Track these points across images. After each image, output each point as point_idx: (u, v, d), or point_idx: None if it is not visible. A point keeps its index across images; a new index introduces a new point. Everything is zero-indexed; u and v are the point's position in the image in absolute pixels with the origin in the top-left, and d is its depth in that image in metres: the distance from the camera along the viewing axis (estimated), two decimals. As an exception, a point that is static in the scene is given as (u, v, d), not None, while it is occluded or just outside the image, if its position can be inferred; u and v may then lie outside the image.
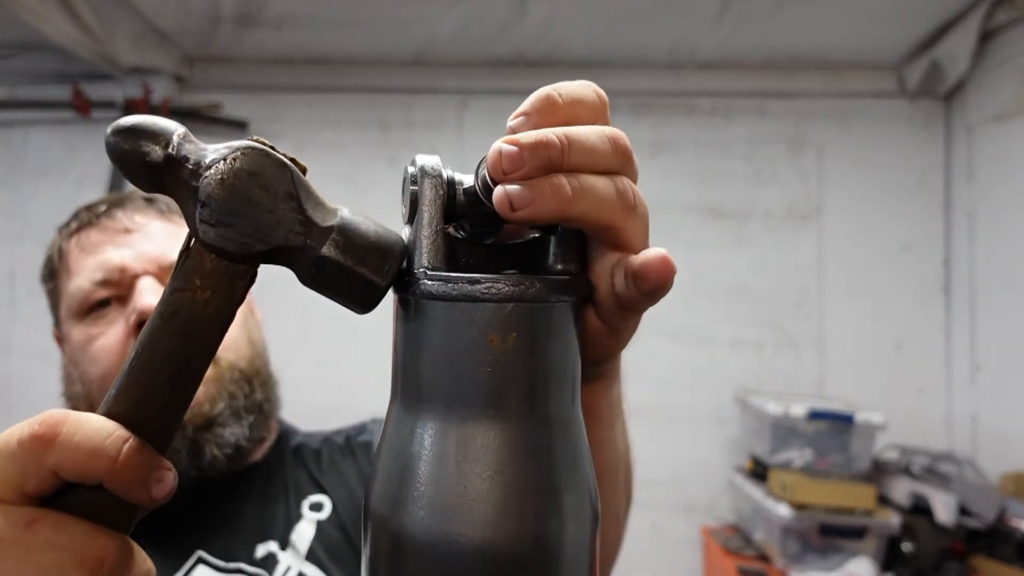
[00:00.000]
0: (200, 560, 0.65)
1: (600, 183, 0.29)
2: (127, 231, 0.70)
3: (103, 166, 2.18)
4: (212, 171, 0.30)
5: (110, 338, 0.66)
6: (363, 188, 2.26)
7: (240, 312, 0.73)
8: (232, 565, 0.65)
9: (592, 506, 0.30)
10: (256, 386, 0.72)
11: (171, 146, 0.31)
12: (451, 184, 0.32)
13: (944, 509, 1.63)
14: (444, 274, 0.29)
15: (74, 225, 0.72)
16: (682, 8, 1.85)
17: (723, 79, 2.21)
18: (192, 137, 0.32)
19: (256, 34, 2.05)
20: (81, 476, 0.29)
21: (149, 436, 0.31)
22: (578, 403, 0.31)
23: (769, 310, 2.19)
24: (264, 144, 0.31)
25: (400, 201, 0.33)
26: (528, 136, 0.28)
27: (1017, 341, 1.85)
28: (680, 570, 2.13)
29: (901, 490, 1.75)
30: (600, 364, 0.37)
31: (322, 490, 0.74)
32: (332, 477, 0.75)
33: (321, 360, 2.18)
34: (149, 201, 0.74)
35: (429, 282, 0.29)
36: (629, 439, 0.50)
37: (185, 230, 0.73)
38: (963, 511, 1.64)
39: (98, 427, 0.29)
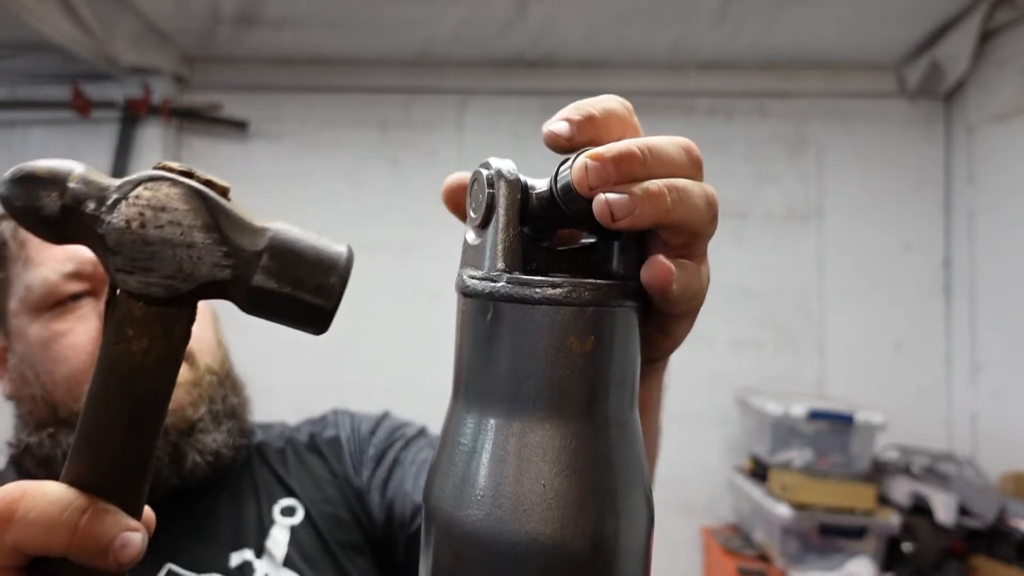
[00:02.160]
0: (170, 573, 0.62)
1: (696, 191, 0.30)
2: None
3: (103, 166, 2.17)
4: (116, 214, 0.27)
5: (80, 336, 0.61)
6: (363, 188, 2.26)
7: (206, 314, 0.70)
8: None
9: (648, 507, 0.31)
10: (228, 389, 0.70)
11: (66, 193, 0.27)
12: (525, 188, 0.32)
13: (944, 509, 1.63)
14: (526, 277, 0.29)
15: None
16: (682, 8, 1.85)
17: (723, 79, 2.21)
18: (93, 174, 0.29)
19: (256, 34, 2.05)
20: (43, 551, 0.28)
21: (113, 495, 0.30)
22: (636, 406, 0.32)
23: (769, 310, 2.19)
24: (172, 171, 0.28)
25: (467, 205, 0.33)
26: (611, 149, 0.29)
27: (1017, 341, 1.85)
28: (680, 570, 2.13)
29: (901, 490, 1.75)
30: (653, 363, 0.39)
31: (291, 493, 0.72)
32: (301, 479, 0.73)
33: (322, 361, 2.17)
34: None
35: (509, 285, 0.29)
36: (661, 425, 0.52)
37: None
38: (963, 511, 1.64)
39: (55, 499, 0.28)
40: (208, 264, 0.28)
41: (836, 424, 1.75)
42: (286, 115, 2.28)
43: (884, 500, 1.76)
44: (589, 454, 0.29)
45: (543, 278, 0.29)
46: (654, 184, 0.28)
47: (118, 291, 0.28)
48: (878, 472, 1.81)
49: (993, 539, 1.61)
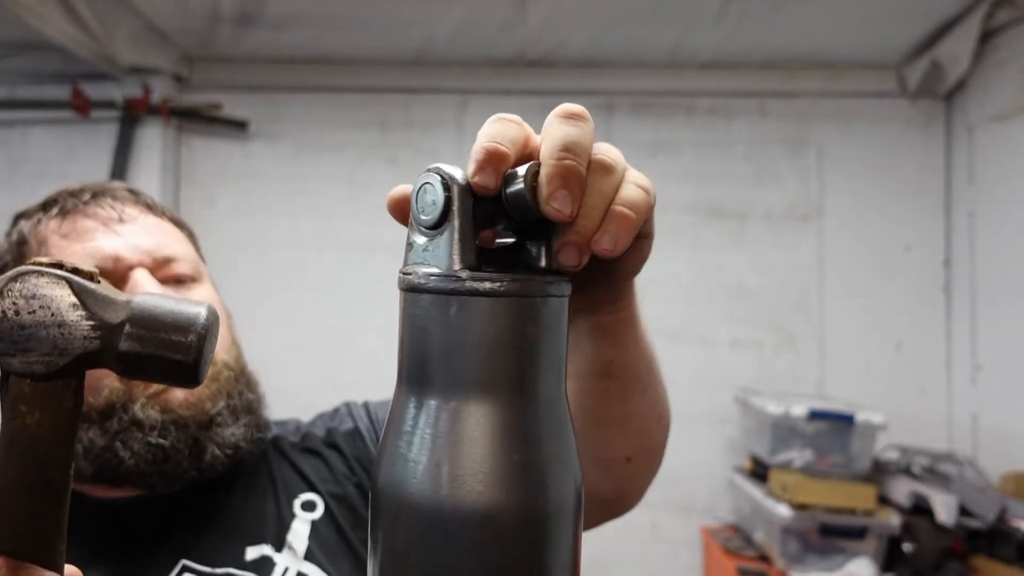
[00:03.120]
0: (185, 569, 0.62)
1: (593, 189, 0.35)
2: (120, 220, 0.67)
3: (102, 166, 2.17)
4: None
5: None
6: (363, 188, 2.26)
7: (222, 313, 0.71)
8: (220, 571, 0.63)
9: (576, 482, 0.34)
10: (244, 384, 0.71)
11: None
12: (472, 193, 0.35)
13: (944, 509, 1.63)
14: (482, 273, 0.32)
15: (55, 210, 0.68)
16: (682, 8, 1.84)
17: (723, 79, 2.21)
18: None
19: (256, 34, 2.05)
20: None
21: (30, 555, 0.32)
22: (564, 386, 0.35)
23: (769, 310, 2.19)
24: (41, 264, 0.32)
25: (414, 209, 0.35)
26: (555, 173, 0.33)
27: (1017, 341, 1.85)
28: (680, 570, 2.13)
29: (901, 490, 1.75)
30: (633, 274, 0.45)
31: (311, 488, 0.72)
32: (321, 473, 0.73)
33: (323, 361, 2.17)
34: (134, 193, 0.72)
35: (468, 281, 0.32)
36: (653, 349, 0.57)
37: (170, 226, 0.71)
38: (963, 511, 1.64)
39: None
40: (79, 339, 0.31)
41: (836, 424, 1.75)
42: (286, 115, 2.27)
43: (884, 500, 1.76)
44: (519, 430, 0.31)
45: (492, 274, 0.32)
46: (578, 221, 0.34)
47: (5, 375, 0.32)
48: (878, 472, 1.81)
49: (993, 539, 1.61)
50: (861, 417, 1.73)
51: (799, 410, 1.75)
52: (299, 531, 0.68)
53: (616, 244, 0.34)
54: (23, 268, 0.32)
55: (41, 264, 0.32)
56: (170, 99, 2.17)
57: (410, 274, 0.34)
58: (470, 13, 1.89)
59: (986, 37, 1.88)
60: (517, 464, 0.31)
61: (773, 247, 2.20)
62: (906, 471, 1.81)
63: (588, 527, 0.63)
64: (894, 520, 1.66)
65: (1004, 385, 1.91)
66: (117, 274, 0.64)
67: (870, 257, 2.18)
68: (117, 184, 0.72)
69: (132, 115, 2.15)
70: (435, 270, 0.33)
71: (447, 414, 0.31)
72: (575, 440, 0.35)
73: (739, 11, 1.85)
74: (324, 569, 0.65)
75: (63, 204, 0.68)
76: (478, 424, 0.31)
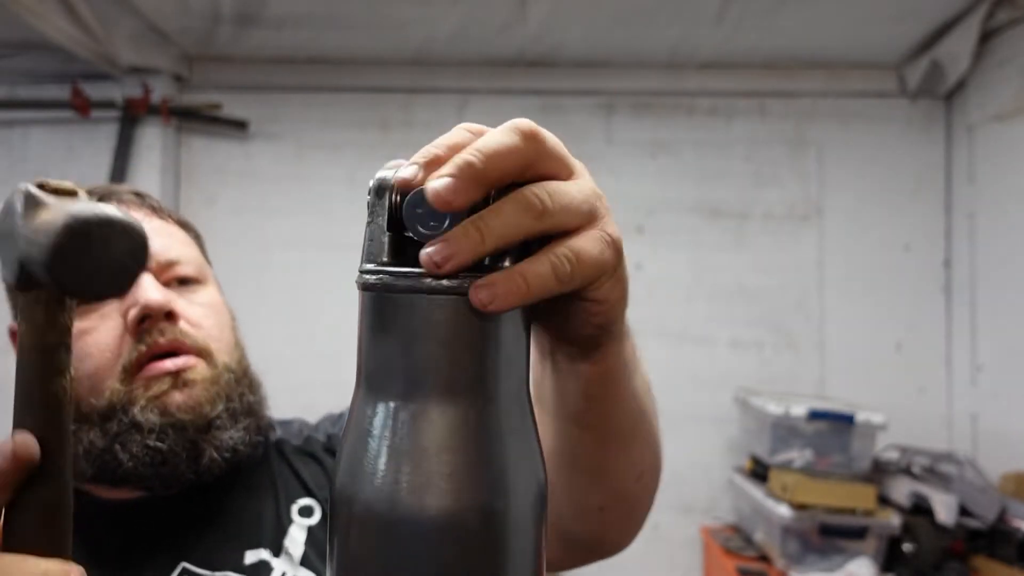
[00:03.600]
0: (185, 572, 0.63)
1: (505, 207, 0.32)
2: None
3: (102, 166, 2.17)
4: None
5: (104, 334, 0.63)
6: (363, 188, 2.23)
7: (224, 315, 0.72)
8: (219, 574, 0.63)
9: (538, 484, 0.33)
10: (245, 387, 0.70)
11: None
12: (401, 195, 0.34)
13: (944, 509, 1.63)
14: (386, 268, 0.32)
15: None
16: (682, 8, 1.84)
17: (723, 79, 2.21)
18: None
19: (256, 34, 2.05)
20: None
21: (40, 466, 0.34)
22: (527, 387, 0.34)
23: (769, 310, 2.19)
24: (27, 184, 0.33)
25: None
26: (449, 165, 0.31)
27: (1017, 341, 1.85)
28: (680, 570, 2.13)
29: (901, 490, 1.75)
30: (604, 330, 0.40)
31: (310, 493, 0.72)
32: (319, 479, 0.74)
33: (323, 361, 2.17)
34: (139, 196, 0.72)
35: (372, 276, 0.32)
36: (647, 380, 0.54)
37: (174, 228, 0.71)
38: (963, 511, 1.64)
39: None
40: (19, 248, 0.32)
41: (836, 424, 1.75)
42: (286, 115, 2.27)
43: (884, 500, 1.76)
44: (478, 432, 0.31)
45: (415, 269, 0.31)
46: (460, 227, 0.31)
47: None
48: (878, 472, 1.81)
49: (993, 539, 1.61)
50: (861, 417, 1.73)
51: (799, 410, 1.75)
52: (296, 537, 0.68)
53: (489, 300, 0.30)
54: (20, 185, 0.34)
55: (28, 183, 0.34)
56: (170, 99, 2.17)
57: (362, 272, 0.34)
58: (470, 13, 1.89)
59: (986, 37, 1.88)
60: (476, 465, 0.30)
61: (773, 247, 2.20)
62: (906, 471, 1.81)
63: (574, 565, 0.63)
64: (894, 520, 1.66)
65: (1004, 385, 1.91)
66: None
67: (870, 257, 2.18)
68: (123, 187, 0.72)
69: (132, 115, 2.15)
70: (366, 266, 0.33)
71: (404, 416, 0.31)
72: (538, 441, 0.34)
73: (739, 11, 1.85)
74: (319, 574, 0.65)
75: None
76: (434, 425, 0.30)
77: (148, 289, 0.63)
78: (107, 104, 2.14)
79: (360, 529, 0.31)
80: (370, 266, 0.33)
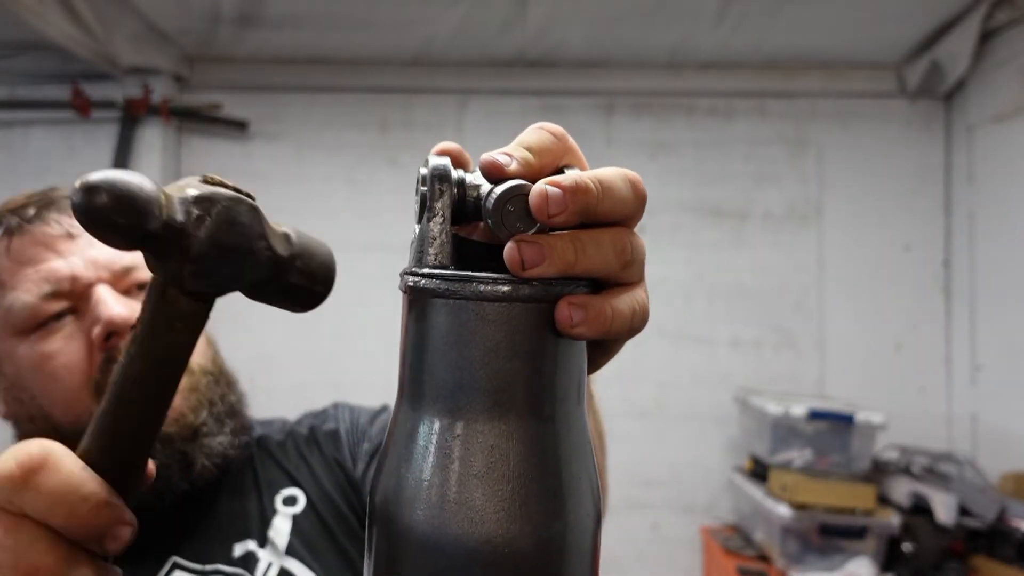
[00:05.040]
0: (176, 566, 0.63)
1: (604, 241, 0.31)
2: (70, 236, 0.64)
3: (103, 166, 2.17)
4: (201, 230, 0.31)
5: (71, 355, 0.61)
6: (363, 188, 2.26)
7: None
8: (209, 567, 0.64)
9: (595, 505, 0.31)
10: (225, 386, 0.70)
11: (162, 212, 0.31)
12: (461, 185, 0.32)
13: (944, 509, 1.63)
14: (457, 273, 0.29)
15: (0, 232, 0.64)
16: (682, 8, 1.85)
17: (723, 79, 2.21)
18: (162, 189, 0.32)
19: (256, 34, 2.05)
20: (44, 520, 0.32)
21: (121, 472, 0.33)
22: (584, 403, 0.32)
23: (769, 310, 2.19)
24: (227, 186, 0.32)
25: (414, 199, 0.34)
26: (568, 179, 0.30)
27: (1017, 341, 1.85)
28: (680, 570, 2.13)
29: (901, 490, 1.75)
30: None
31: (293, 483, 0.72)
32: (302, 469, 0.74)
33: (323, 361, 2.17)
34: None
35: (439, 281, 0.29)
36: (602, 428, 0.55)
37: None
38: (963, 511, 1.64)
39: (67, 480, 0.32)
40: (258, 267, 0.33)
41: (836, 424, 1.75)
42: (286, 115, 2.27)
43: (884, 500, 1.76)
44: (534, 453, 0.29)
45: (488, 275, 0.29)
46: (561, 238, 0.30)
47: (164, 288, 0.32)
48: (878, 472, 1.81)
49: (993, 539, 1.61)
50: (861, 417, 1.73)
51: (799, 410, 1.75)
52: (280, 527, 0.68)
53: (579, 321, 0.29)
54: (225, 193, 0.32)
55: (227, 186, 0.33)
56: (170, 99, 2.17)
57: (408, 273, 0.31)
58: (470, 13, 1.89)
59: (986, 37, 1.88)
60: (538, 493, 0.28)
61: (773, 247, 2.20)
62: (906, 471, 1.81)
63: None
64: (894, 520, 1.66)
65: (1004, 385, 1.91)
66: (76, 293, 0.62)
67: (870, 257, 2.18)
68: (60, 192, 0.69)
69: (132, 115, 2.15)
70: (417, 268, 0.31)
71: (455, 436, 0.29)
72: (595, 461, 0.32)
73: (739, 11, 1.85)
74: (306, 563, 0.66)
75: (7, 224, 0.64)
76: (495, 449, 0.28)
77: (109, 304, 0.61)
78: (107, 104, 2.14)
79: (403, 554, 0.29)
80: (416, 267, 0.31)
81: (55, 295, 0.61)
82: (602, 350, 0.37)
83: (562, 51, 2.13)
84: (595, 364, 0.37)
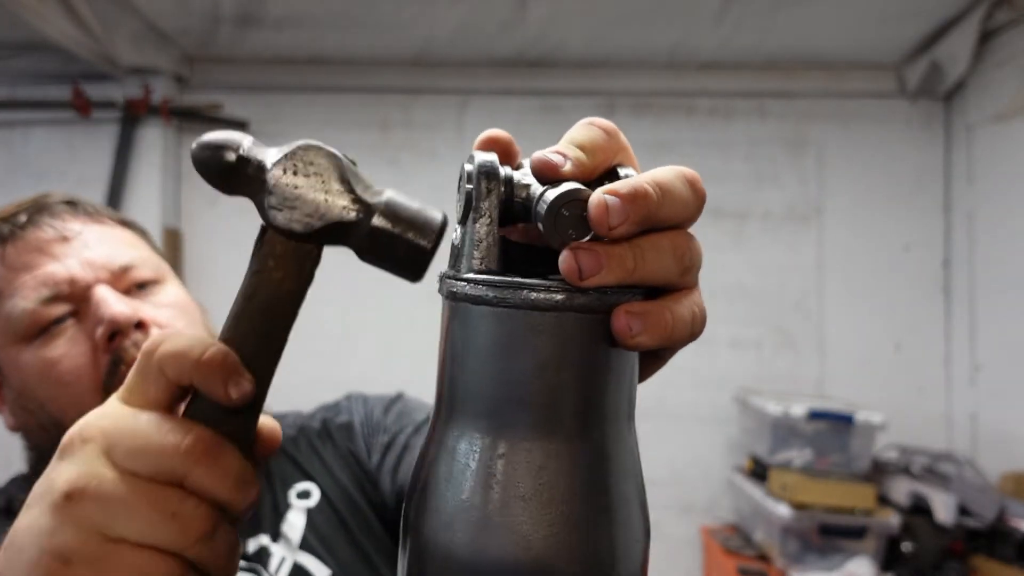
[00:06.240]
0: None
1: (665, 247, 0.30)
2: (64, 240, 0.63)
3: (103, 166, 2.18)
4: (277, 166, 0.35)
5: (76, 358, 0.60)
6: (363, 188, 2.26)
7: (195, 312, 0.70)
8: None
9: (645, 530, 0.30)
10: None
11: (241, 149, 0.35)
12: (509, 184, 0.31)
13: (944, 509, 1.63)
14: (506, 279, 0.27)
15: None
16: (682, 8, 1.85)
17: (723, 79, 2.21)
18: (259, 143, 0.37)
19: (256, 34, 2.05)
20: (176, 374, 0.34)
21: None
22: (633, 419, 0.31)
23: (769, 310, 2.19)
24: (315, 144, 0.36)
25: (456, 198, 0.33)
26: (627, 187, 0.28)
27: (1017, 341, 1.85)
28: (680, 570, 2.13)
29: (901, 490, 1.75)
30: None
31: (308, 477, 0.72)
32: (315, 463, 0.74)
33: (323, 360, 2.18)
34: (72, 204, 0.68)
35: (485, 287, 0.27)
36: None
37: (118, 230, 0.69)
38: (963, 511, 1.65)
39: (189, 336, 0.35)
40: (339, 207, 0.35)
41: (836, 424, 1.75)
42: (286, 115, 2.28)
43: (884, 500, 1.76)
44: (585, 475, 0.27)
45: (540, 281, 0.27)
46: (620, 247, 0.29)
47: (266, 232, 0.35)
48: (878, 472, 1.81)
49: (993, 539, 1.61)
50: (860, 417, 1.73)
51: (798, 410, 1.75)
52: (294, 521, 0.68)
53: (639, 331, 0.28)
54: (306, 142, 0.36)
55: (318, 144, 0.36)
56: (170, 99, 2.17)
57: (449, 278, 0.29)
58: (470, 13, 1.89)
59: (985, 37, 1.88)
60: (588, 516, 0.27)
61: (773, 247, 2.21)
62: (905, 471, 1.81)
63: None
64: (893, 520, 1.66)
65: (1003, 385, 1.91)
66: (76, 296, 0.61)
67: (869, 257, 2.18)
68: (52, 197, 0.68)
69: (132, 115, 2.15)
70: (463, 274, 0.29)
71: (499, 454, 0.27)
72: (643, 481, 0.31)
73: (739, 11, 1.85)
74: (320, 558, 0.65)
75: None
76: (544, 469, 0.27)
77: (111, 303, 0.60)
78: (108, 104, 2.14)
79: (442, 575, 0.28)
80: (461, 272, 0.29)
81: (54, 299, 0.61)
82: (656, 357, 0.35)
83: (562, 51, 2.13)
84: (646, 372, 0.36)
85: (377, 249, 0.35)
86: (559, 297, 0.27)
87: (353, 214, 0.35)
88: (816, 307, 2.19)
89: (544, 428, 0.27)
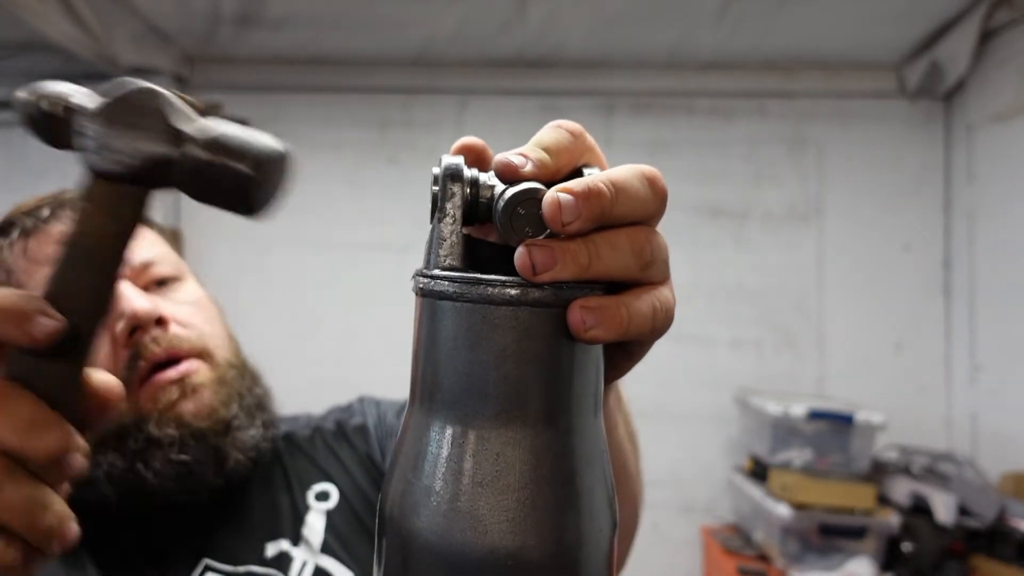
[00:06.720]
0: (208, 568, 0.62)
1: (621, 242, 0.30)
2: None
3: (103, 166, 2.17)
4: (96, 110, 0.34)
5: (96, 352, 0.61)
6: (363, 188, 2.26)
7: (212, 309, 0.70)
8: (242, 569, 0.63)
9: (612, 514, 0.30)
10: (250, 380, 0.69)
11: (59, 102, 0.35)
12: (474, 185, 0.32)
13: (944, 509, 1.63)
14: (465, 275, 0.29)
15: (15, 234, 0.63)
16: (682, 8, 1.85)
17: (723, 79, 2.21)
18: (94, 95, 0.35)
19: (256, 34, 2.05)
20: None
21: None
22: (600, 414, 0.31)
23: (769, 310, 2.19)
24: (136, 83, 0.34)
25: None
26: (580, 185, 0.29)
27: (1017, 341, 1.85)
28: (680, 570, 2.13)
29: (901, 490, 1.75)
30: (610, 382, 0.39)
31: (326, 478, 0.71)
32: (332, 463, 0.73)
33: (323, 361, 2.18)
34: None
35: (447, 283, 0.29)
36: (633, 428, 0.53)
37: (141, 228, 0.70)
38: (963, 511, 1.64)
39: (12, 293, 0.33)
40: (154, 142, 0.33)
41: (836, 424, 1.75)
42: (286, 115, 2.28)
43: (884, 500, 1.76)
44: (543, 463, 0.28)
45: (501, 277, 0.28)
46: (576, 243, 0.29)
47: (86, 176, 0.34)
48: (878, 472, 1.81)
49: (993, 539, 1.61)
50: (860, 417, 1.73)
51: (799, 410, 1.75)
52: (314, 524, 0.67)
53: (592, 324, 0.28)
54: (124, 80, 0.34)
55: (152, 86, 0.35)
56: (170, 99, 2.17)
57: (418, 275, 0.31)
58: (470, 13, 1.89)
59: (985, 37, 1.88)
60: (547, 503, 0.28)
61: (773, 247, 2.21)
62: (905, 471, 1.81)
63: None
64: (893, 520, 1.66)
65: (1003, 385, 1.91)
66: None
67: (870, 257, 2.18)
68: (72, 194, 0.69)
69: (132, 115, 2.15)
70: (430, 270, 0.30)
71: (462, 442, 0.28)
72: (611, 472, 0.31)
73: (739, 11, 1.85)
74: (342, 561, 0.65)
75: (22, 226, 0.64)
76: (502, 457, 0.28)
77: (132, 298, 0.60)
78: (107, 104, 2.14)
79: (412, 564, 0.28)
80: (429, 269, 0.30)
81: None
82: (626, 353, 0.36)
83: (562, 51, 2.13)
84: (620, 368, 0.37)
85: (202, 184, 0.34)
86: (513, 292, 0.28)
87: (170, 148, 0.33)
88: (816, 307, 2.19)
89: (504, 418, 0.28)
